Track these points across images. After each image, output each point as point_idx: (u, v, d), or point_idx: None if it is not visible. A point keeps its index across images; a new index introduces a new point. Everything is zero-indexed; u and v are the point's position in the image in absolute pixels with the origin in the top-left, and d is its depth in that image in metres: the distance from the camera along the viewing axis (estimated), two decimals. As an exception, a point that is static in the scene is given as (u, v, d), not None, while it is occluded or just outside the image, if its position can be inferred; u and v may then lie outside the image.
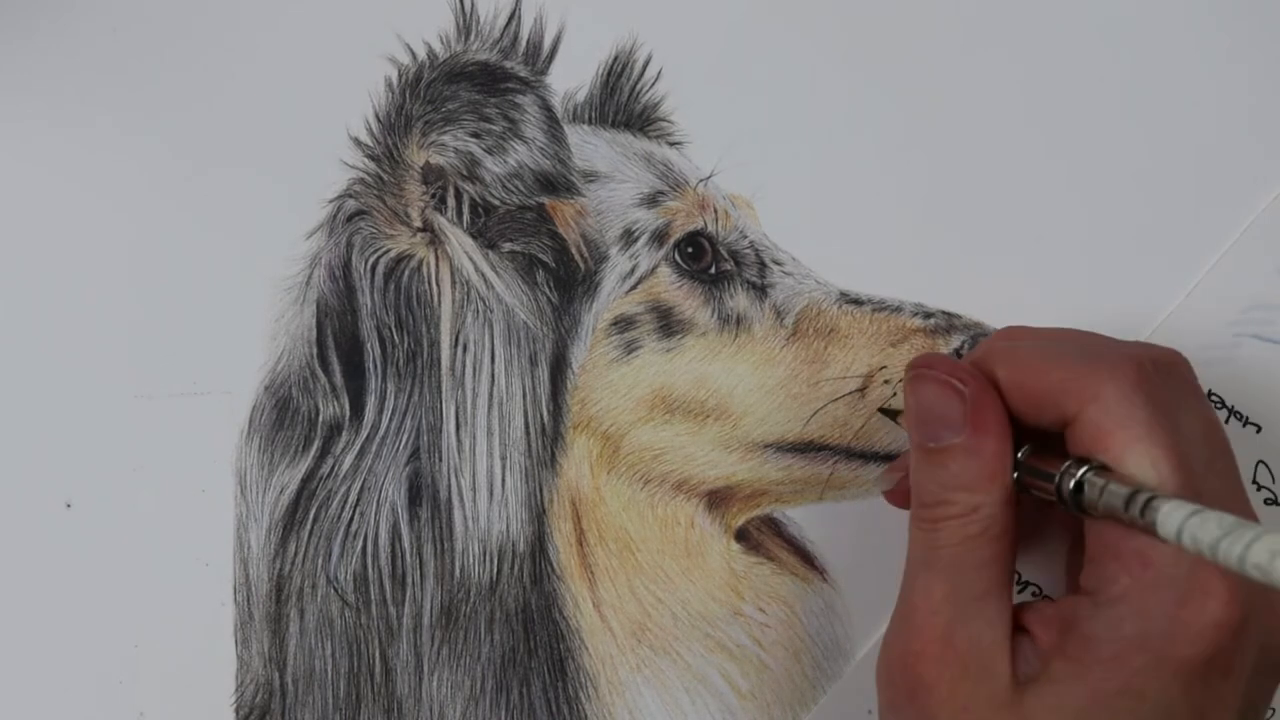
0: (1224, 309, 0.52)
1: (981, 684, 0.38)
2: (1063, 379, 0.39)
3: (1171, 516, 0.34)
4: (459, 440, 0.49)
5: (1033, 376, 0.40)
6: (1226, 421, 0.51)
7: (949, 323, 0.50)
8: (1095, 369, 0.39)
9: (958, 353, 0.49)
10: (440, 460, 0.49)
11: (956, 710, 0.38)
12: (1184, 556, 0.36)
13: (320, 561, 0.49)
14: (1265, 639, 0.37)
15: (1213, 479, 0.38)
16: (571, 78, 0.52)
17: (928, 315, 0.50)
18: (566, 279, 0.49)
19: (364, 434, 0.49)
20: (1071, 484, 0.38)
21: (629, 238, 0.50)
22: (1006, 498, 0.40)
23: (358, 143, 0.51)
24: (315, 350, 0.50)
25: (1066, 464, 0.39)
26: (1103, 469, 0.38)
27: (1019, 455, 0.40)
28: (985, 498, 0.39)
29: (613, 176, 0.50)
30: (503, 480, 0.48)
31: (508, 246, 0.49)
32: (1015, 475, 0.40)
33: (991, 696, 0.38)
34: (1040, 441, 0.40)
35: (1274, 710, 0.50)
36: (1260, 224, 0.52)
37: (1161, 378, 0.39)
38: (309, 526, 0.49)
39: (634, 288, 0.49)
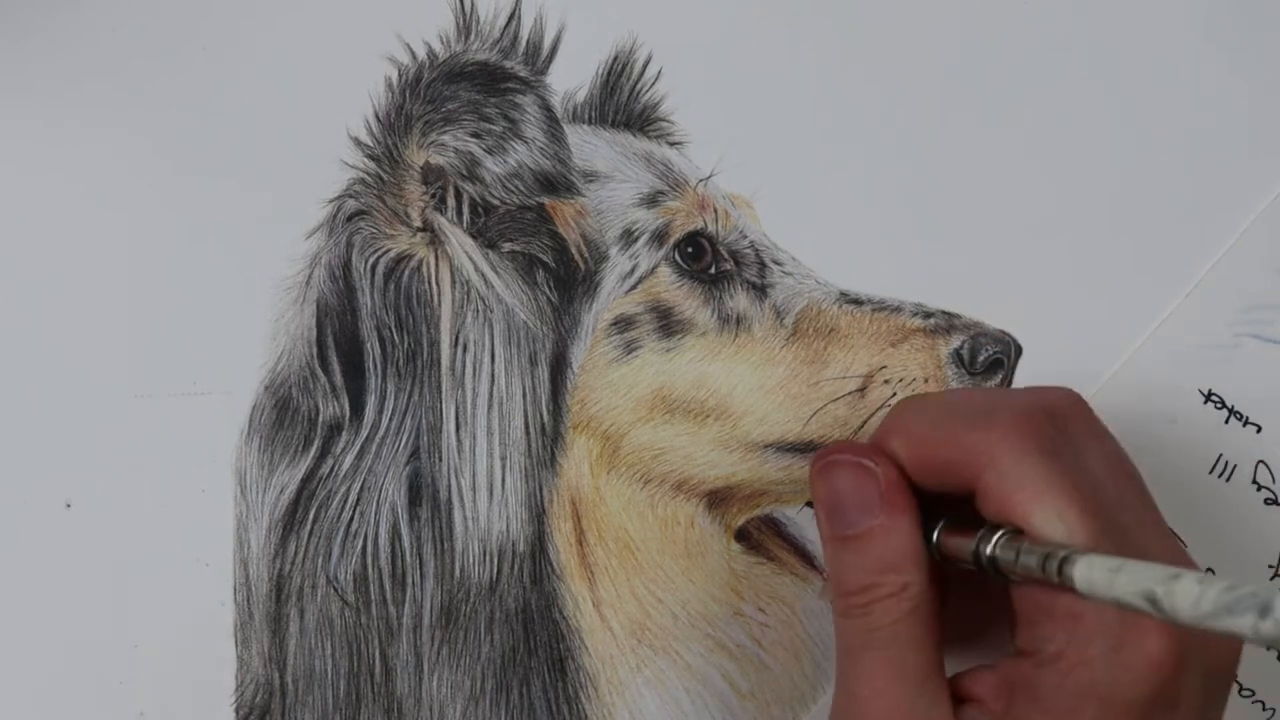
0: (1224, 309, 0.52)
1: None
2: (957, 450, 0.39)
3: (1087, 574, 0.34)
4: (459, 440, 0.49)
5: (929, 450, 0.40)
6: (1226, 422, 0.51)
7: (949, 323, 0.50)
8: (986, 434, 0.38)
9: (957, 352, 0.49)
10: (440, 460, 0.49)
11: None
12: (1103, 607, 0.36)
13: (320, 561, 0.49)
14: (1207, 662, 0.37)
15: (1125, 514, 0.38)
16: (571, 78, 0.52)
17: (928, 315, 0.50)
18: (566, 279, 0.49)
19: (364, 434, 0.49)
20: (987, 553, 0.38)
21: (629, 238, 0.50)
22: (932, 574, 0.40)
23: (358, 143, 0.51)
24: (315, 350, 0.50)
25: (980, 532, 0.39)
26: (1016, 533, 0.38)
27: (936, 530, 0.40)
28: (913, 575, 0.39)
29: (613, 176, 0.50)
30: (503, 480, 0.48)
31: (508, 246, 0.49)
32: (935, 549, 0.40)
33: None
34: (956, 512, 0.40)
35: (1274, 710, 0.50)
36: (1260, 224, 0.52)
37: (1055, 425, 0.39)
38: (309, 526, 0.49)
39: (634, 288, 0.49)
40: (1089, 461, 0.39)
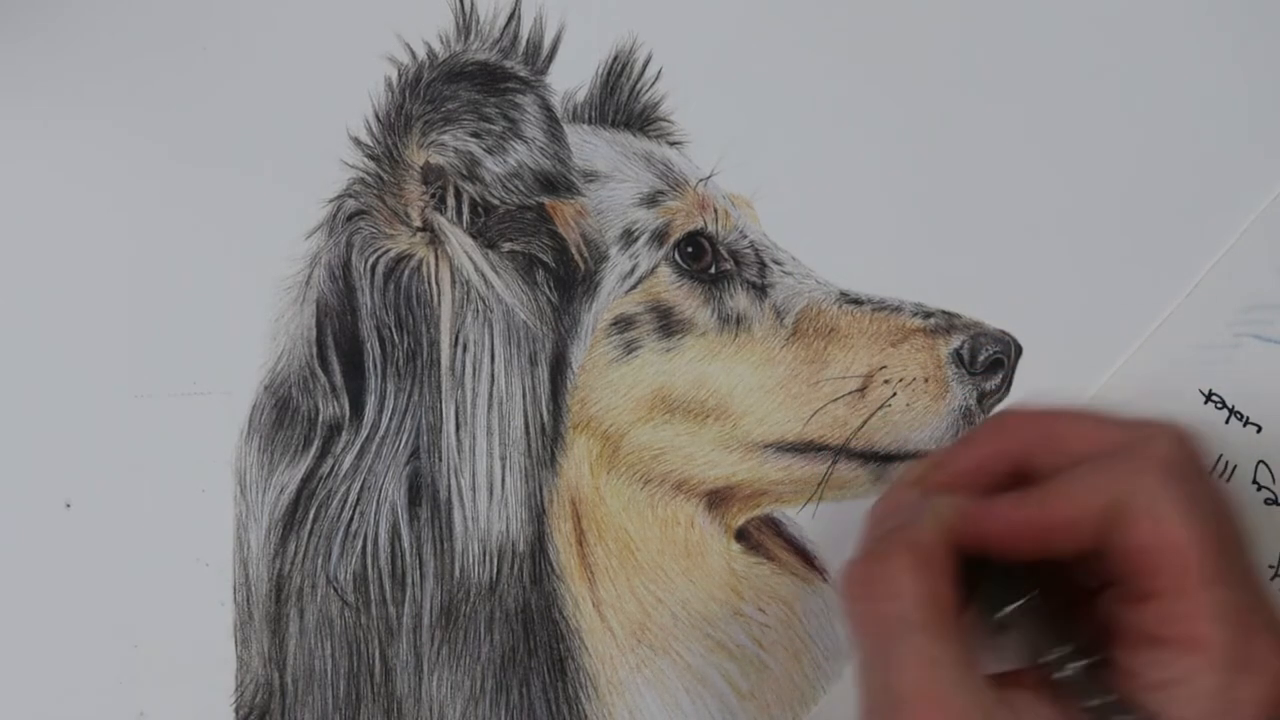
0: (1224, 309, 0.52)
1: None
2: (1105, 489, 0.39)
3: None
4: (459, 440, 0.49)
5: (1064, 446, 0.40)
6: (1226, 422, 0.51)
7: (949, 322, 0.50)
8: (1132, 467, 0.38)
9: (957, 352, 0.49)
10: (440, 460, 0.49)
11: None
12: (1229, 639, 0.36)
13: (320, 561, 0.49)
14: None
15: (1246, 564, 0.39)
16: (571, 77, 0.52)
17: (928, 315, 0.50)
18: (566, 279, 0.49)
19: (364, 434, 0.49)
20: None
21: (629, 237, 0.50)
22: (951, 575, 0.39)
23: (358, 143, 0.51)
24: (315, 350, 0.50)
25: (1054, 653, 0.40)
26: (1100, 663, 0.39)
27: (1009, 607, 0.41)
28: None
29: (613, 176, 0.50)
30: (503, 480, 0.48)
31: (508, 246, 0.49)
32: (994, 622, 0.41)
33: None
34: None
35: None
36: (1260, 224, 0.52)
37: (1194, 464, 0.39)
38: (309, 526, 0.49)
39: (634, 287, 0.49)
40: (1215, 499, 0.39)
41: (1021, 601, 0.41)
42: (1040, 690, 0.40)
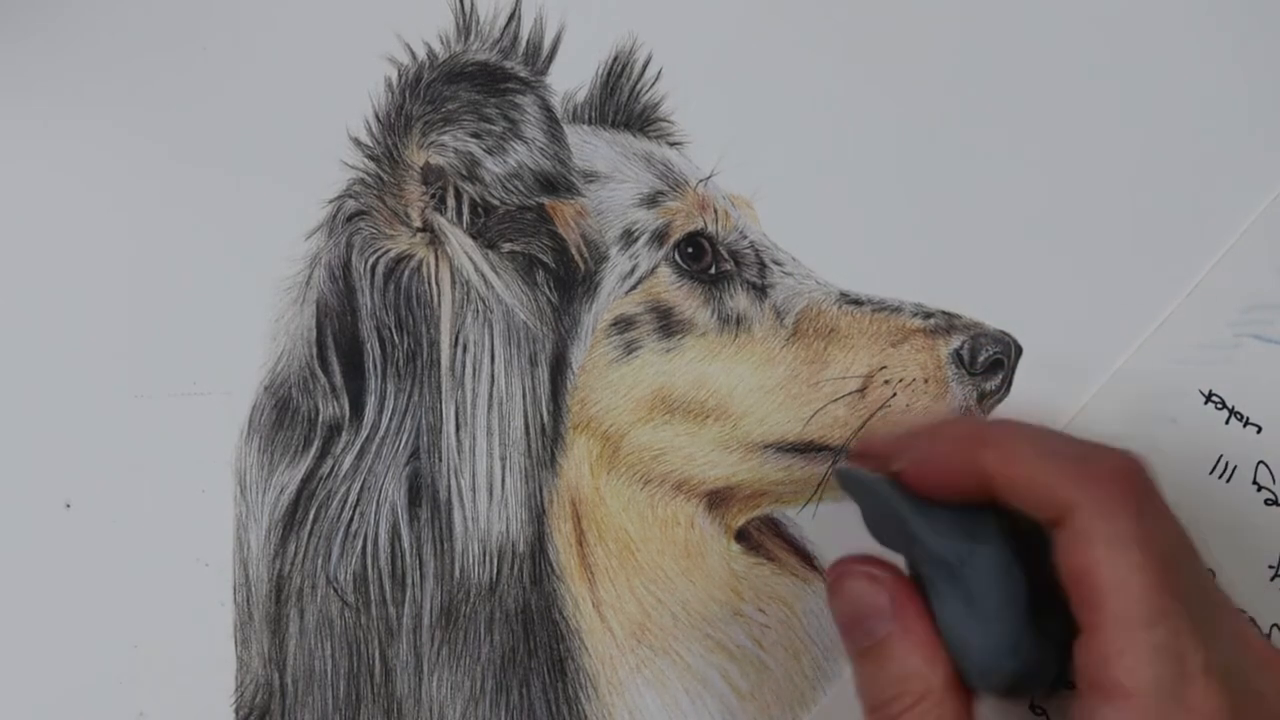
0: (1224, 309, 0.52)
1: None
2: (1050, 488, 0.38)
3: None
4: (459, 440, 0.49)
5: (1025, 473, 0.39)
6: (1227, 422, 0.51)
7: (949, 323, 0.50)
8: (1083, 478, 0.38)
9: (957, 353, 0.49)
10: (440, 460, 0.49)
11: None
12: (1164, 682, 0.35)
13: (320, 562, 0.49)
14: None
15: (1198, 593, 0.37)
16: (571, 78, 0.52)
17: (928, 315, 0.50)
18: (566, 279, 0.49)
19: (364, 434, 0.49)
20: None
21: (629, 238, 0.50)
22: (951, 678, 0.39)
23: (358, 143, 0.51)
24: (315, 350, 0.50)
25: None
26: None
27: None
28: (933, 680, 0.39)
29: (613, 177, 0.50)
30: (503, 481, 0.48)
31: (508, 247, 0.49)
32: None
33: None
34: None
35: None
36: (1260, 224, 0.52)
37: (1143, 490, 0.38)
38: (309, 527, 0.49)
39: (634, 288, 0.49)
40: (1168, 533, 0.38)
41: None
42: None
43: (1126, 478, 0.38)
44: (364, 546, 0.49)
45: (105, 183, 0.52)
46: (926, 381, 0.49)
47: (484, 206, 0.49)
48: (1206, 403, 0.51)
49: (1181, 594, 0.36)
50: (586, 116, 0.52)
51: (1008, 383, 0.50)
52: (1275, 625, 0.50)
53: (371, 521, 0.49)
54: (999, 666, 0.38)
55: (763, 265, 0.50)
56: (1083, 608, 0.37)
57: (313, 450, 0.49)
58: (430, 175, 0.49)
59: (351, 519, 0.49)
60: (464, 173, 0.49)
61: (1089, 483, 0.37)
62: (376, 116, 0.51)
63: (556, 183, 0.49)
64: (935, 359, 0.49)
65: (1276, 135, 0.53)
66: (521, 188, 0.49)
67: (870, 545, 0.50)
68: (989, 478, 0.39)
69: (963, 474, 0.39)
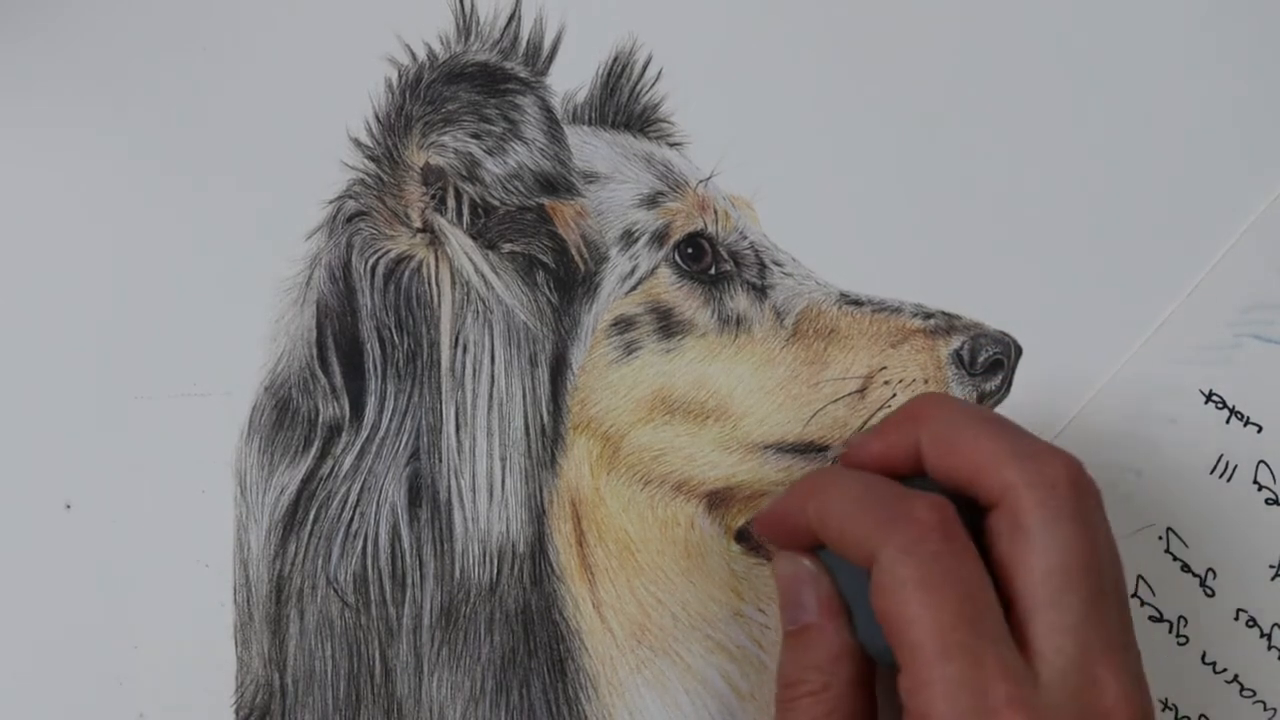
0: (1224, 309, 0.52)
1: None
2: (973, 470, 0.40)
3: None
4: (459, 441, 0.49)
5: (948, 454, 0.41)
6: (1227, 422, 0.51)
7: (949, 323, 0.50)
8: (1012, 471, 0.39)
9: (957, 353, 0.49)
10: (440, 461, 0.49)
11: None
12: (964, 713, 0.36)
13: (320, 562, 0.49)
14: None
15: (1107, 612, 0.38)
16: (571, 78, 0.52)
17: (928, 316, 0.50)
18: (566, 280, 0.49)
19: (364, 435, 0.49)
20: None
21: (629, 238, 0.50)
22: (855, 678, 0.41)
23: (358, 143, 0.51)
24: (315, 351, 0.50)
25: None
26: None
27: None
28: (833, 676, 0.41)
29: (613, 177, 0.50)
30: (503, 481, 0.48)
31: (508, 247, 0.49)
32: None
33: None
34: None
35: (1275, 710, 0.50)
36: (1259, 225, 0.52)
37: (1078, 492, 0.39)
38: (309, 527, 0.49)
39: (634, 289, 0.49)
40: (1099, 542, 0.39)
41: None
42: None
43: (925, 525, 0.39)
44: (364, 547, 0.49)
45: (104, 183, 0.52)
46: (927, 382, 0.49)
47: (484, 207, 0.49)
48: (1206, 403, 0.51)
49: (987, 631, 0.37)
50: (586, 117, 0.52)
51: (1008, 383, 0.50)
52: (1276, 625, 0.50)
53: (371, 522, 0.49)
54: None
55: (763, 266, 0.50)
56: (894, 645, 0.38)
57: (313, 451, 0.49)
58: (430, 176, 0.49)
59: (352, 519, 0.49)
60: (464, 173, 0.49)
61: (891, 530, 0.39)
62: (376, 117, 0.51)
63: (556, 183, 0.49)
64: (935, 360, 0.49)
65: (1275, 136, 0.53)
66: (521, 188, 0.49)
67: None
68: (812, 530, 0.42)
69: (796, 528, 0.42)
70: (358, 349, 0.49)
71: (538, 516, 0.49)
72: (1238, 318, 0.52)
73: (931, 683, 0.37)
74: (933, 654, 0.37)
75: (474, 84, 0.49)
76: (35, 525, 0.50)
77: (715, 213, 0.50)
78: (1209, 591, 0.50)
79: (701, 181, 0.51)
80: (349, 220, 0.50)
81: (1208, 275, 0.52)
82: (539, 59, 0.51)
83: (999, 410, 0.50)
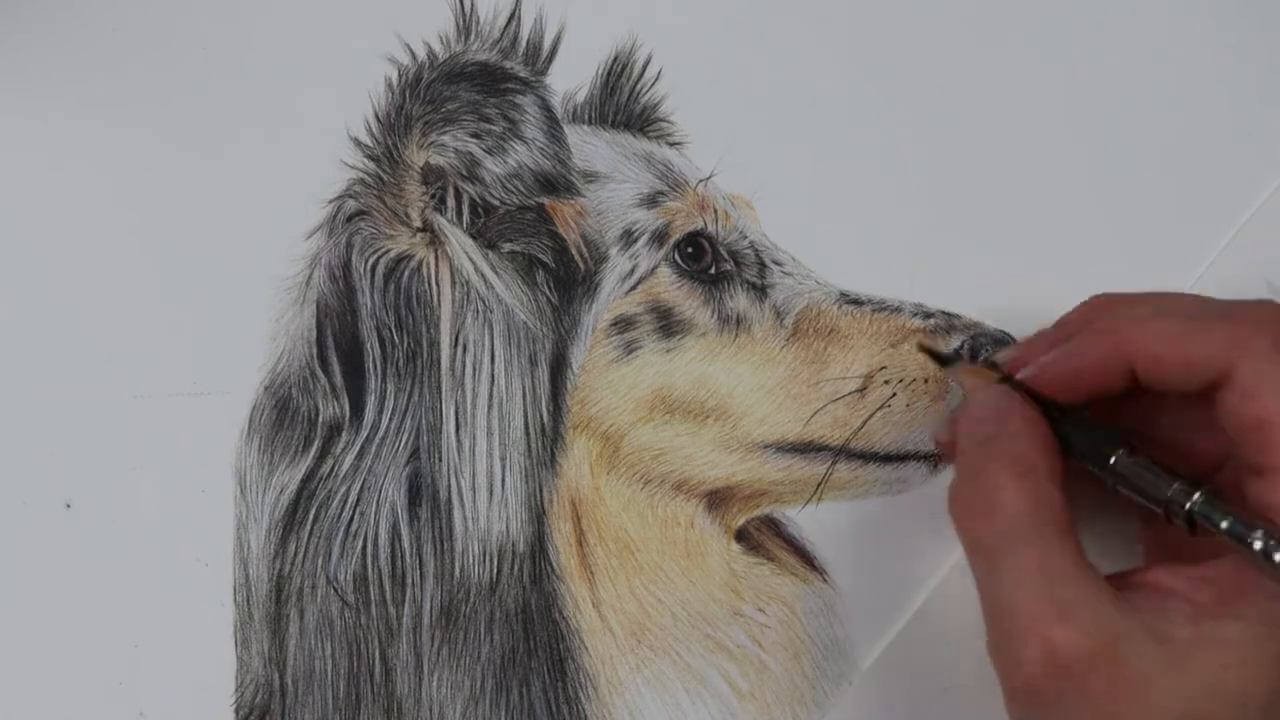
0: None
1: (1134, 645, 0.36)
2: (1201, 348, 0.38)
3: None
4: (459, 440, 0.49)
5: (1169, 346, 0.39)
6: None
7: (949, 323, 0.50)
8: (1236, 333, 0.38)
9: (957, 352, 0.49)
10: (440, 460, 0.49)
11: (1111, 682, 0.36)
12: None
13: (320, 562, 0.49)
14: None
15: None
16: (571, 78, 0.52)
17: (928, 315, 0.50)
18: (566, 279, 0.49)
19: (364, 434, 0.49)
20: (1186, 506, 0.38)
21: (629, 238, 0.50)
22: (1060, 474, 0.39)
23: (358, 143, 0.51)
24: (315, 350, 0.50)
25: (1174, 486, 0.39)
26: (1210, 494, 0.38)
27: (1115, 455, 0.40)
28: (1038, 456, 0.39)
29: (612, 177, 0.50)
30: (503, 480, 0.48)
31: (508, 247, 0.49)
32: (1110, 476, 0.40)
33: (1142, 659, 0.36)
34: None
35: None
36: (1258, 223, 0.52)
37: None
38: (309, 527, 0.49)
39: (634, 288, 0.49)
40: None
41: (1120, 452, 0.40)
42: (1159, 582, 0.38)
43: (1275, 324, 0.38)
44: (364, 546, 0.49)
45: (105, 183, 0.52)
46: (926, 381, 0.49)
47: (484, 206, 0.49)
48: (1206, 403, 0.51)
49: None
50: (586, 116, 0.52)
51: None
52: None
53: (371, 521, 0.49)
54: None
55: (762, 265, 0.50)
56: (1263, 454, 0.37)
57: (313, 450, 0.49)
58: (430, 175, 0.49)
59: (351, 519, 0.49)
60: (464, 173, 0.49)
61: (1252, 336, 0.38)
62: (376, 116, 0.51)
63: (556, 183, 0.49)
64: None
65: (1276, 135, 0.53)
66: (521, 188, 0.49)
67: (876, 546, 0.50)
68: (1132, 364, 0.40)
69: (1105, 368, 0.40)
70: (358, 348, 0.49)
71: (537, 516, 0.49)
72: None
73: None
74: None
75: (474, 83, 0.49)
76: (35, 525, 0.50)
77: (715, 212, 0.50)
78: None
79: (701, 181, 0.51)
80: (349, 220, 0.50)
81: (1207, 274, 0.52)
82: (539, 58, 0.51)
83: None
